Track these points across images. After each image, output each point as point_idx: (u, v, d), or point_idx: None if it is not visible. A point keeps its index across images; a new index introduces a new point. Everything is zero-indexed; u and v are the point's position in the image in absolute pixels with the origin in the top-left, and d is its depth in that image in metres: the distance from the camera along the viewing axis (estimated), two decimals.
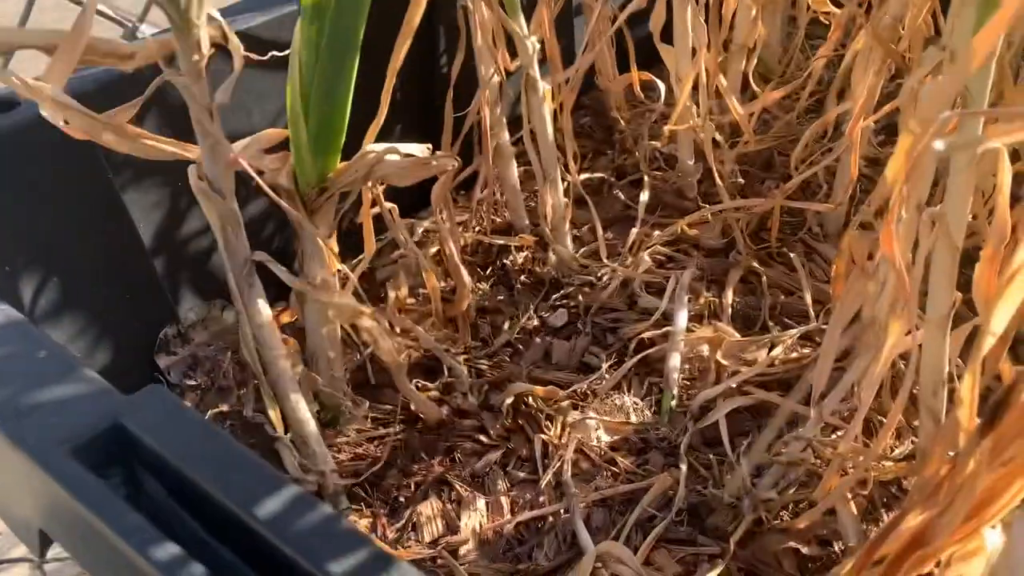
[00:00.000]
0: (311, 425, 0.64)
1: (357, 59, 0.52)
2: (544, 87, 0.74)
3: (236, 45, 0.57)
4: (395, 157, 0.57)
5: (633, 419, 0.71)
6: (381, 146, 0.57)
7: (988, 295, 0.53)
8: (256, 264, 0.59)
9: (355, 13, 0.49)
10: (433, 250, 0.83)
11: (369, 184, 0.60)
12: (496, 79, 0.79)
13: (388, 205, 0.70)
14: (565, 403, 0.71)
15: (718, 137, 0.95)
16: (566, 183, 0.91)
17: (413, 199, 0.87)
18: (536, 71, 0.73)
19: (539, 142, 0.77)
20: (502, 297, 0.82)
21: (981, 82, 0.51)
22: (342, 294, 0.63)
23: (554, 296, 0.82)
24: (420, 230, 0.87)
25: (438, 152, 0.60)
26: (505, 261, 0.86)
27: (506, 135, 0.83)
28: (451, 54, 0.82)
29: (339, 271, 0.64)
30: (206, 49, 0.53)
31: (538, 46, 0.74)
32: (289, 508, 0.32)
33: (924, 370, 0.56)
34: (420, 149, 0.60)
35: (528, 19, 0.89)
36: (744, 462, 0.64)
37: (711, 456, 0.67)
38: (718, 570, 0.59)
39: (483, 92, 0.73)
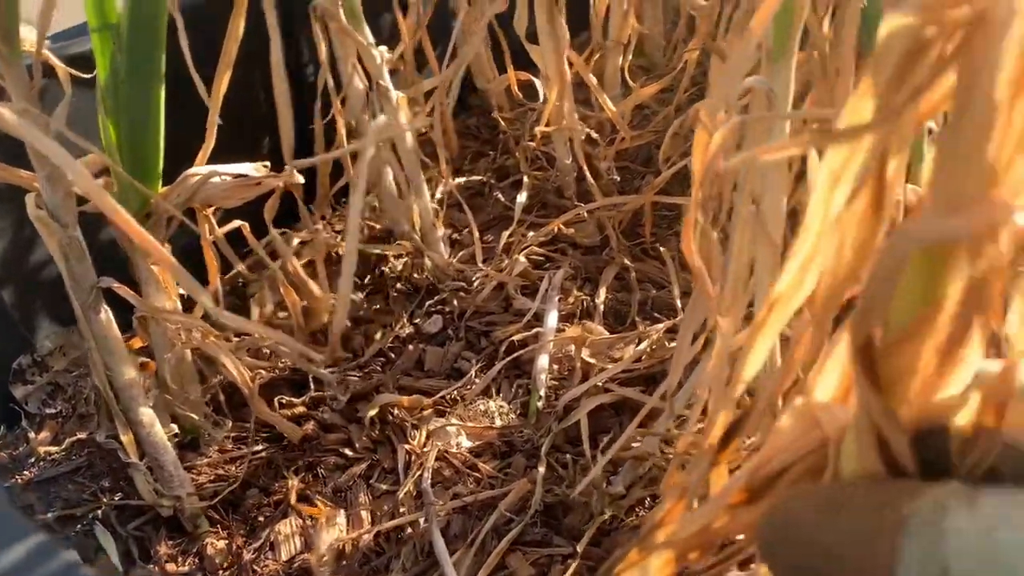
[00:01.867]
0: (167, 449, 0.63)
1: (162, 86, 0.52)
2: (398, 95, 0.74)
3: (64, 71, 0.57)
4: (219, 179, 0.57)
5: (499, 423, 0.71)
6: (204, 169, 0.57)
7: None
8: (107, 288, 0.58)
9: (151, 41, 0.49)
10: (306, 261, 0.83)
11: (202, 207, 0.59)
12: (360, 87, 0.79)
13: (239, 223, 0.69)
14: (429, 412, 0.71)
15: (594, 135, 0.95)
16: (442, 187, 0.92)
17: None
18: (387, 80, 0.73)
19: (399, 149, 0.77)
20: (378, 306, 0.82)
21: (783, 75, 0.51)
22: (188, 317, 0.63)
23: (428, 303, 0.82)
24: (296, 241, 0.87)
25: (271, 169, 0.60)
26: (384, 269, 0.86)
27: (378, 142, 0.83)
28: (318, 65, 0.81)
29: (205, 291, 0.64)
30: (38, 77, 0.52)
31: (388, 55, 0.73)
32: (29, 558, 0.32)
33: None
34: (250, 168, 0.59)
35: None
36: (599, 460, 0.65)
37: (569, 456, 0.68)
38: (570, 571, 0.60)
39: (335, 101, 0.73)
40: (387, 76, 0.73)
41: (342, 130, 0.76)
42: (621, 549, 0.36)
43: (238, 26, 0.55)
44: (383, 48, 0.74)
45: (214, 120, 0.57)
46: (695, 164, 0.50)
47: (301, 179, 0.68)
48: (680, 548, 0.35)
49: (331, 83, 0.76)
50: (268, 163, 0.62)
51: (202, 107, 0.61)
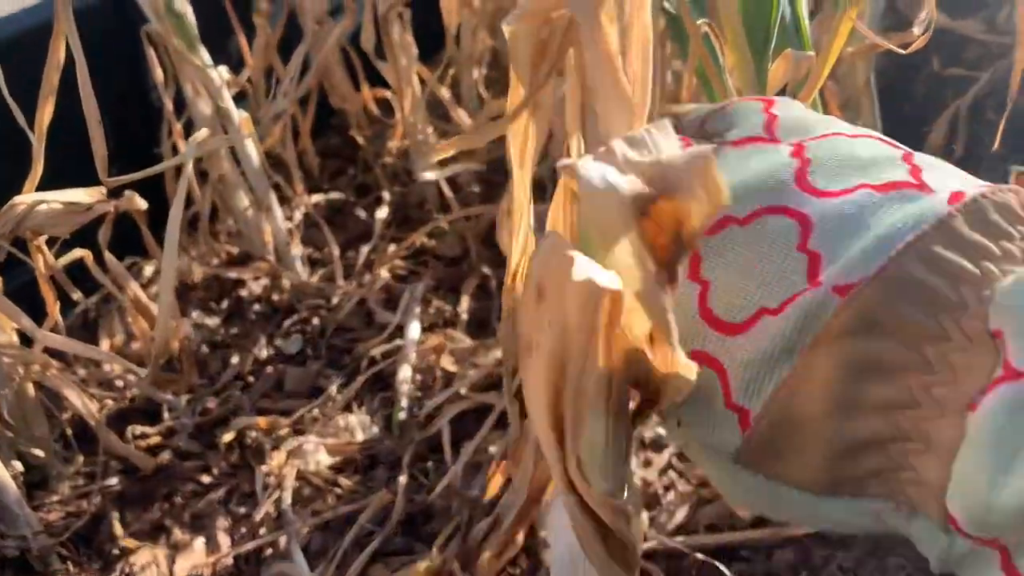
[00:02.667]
0: (9, 488, 0.61)
1: None
2: (241, 116, 0.74)
3: None
4: (47, 207, 0.56)
5: (360, 437, 0.71)
6: (30, 197, 0.56)
7: None
8: None
9: None
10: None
11: (33, 236, 0.58)
12: (206, 110, 0.78)
13: (81, 252, 0.68)
14: (287, 432, 0.71)
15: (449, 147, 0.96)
16: (299, 207, 0.92)
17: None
18: (228, 102, 0.72)
19: (246, 170, 0.77)
20: (236, 330, 0.81)
21: None
22: (24, 350, 0.61)
23: (288, 323, 0.81)
24: (151, 270, 0.85)
25: (103, 195, 0.59)
26: (241, 292, 0.85)
27: (227, 165, 0.82)
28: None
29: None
30: None
31: (228, 77, 0.73)
32: None
33: None
34: (82, 194, 0.58)
35: (251, 44, 0.90)
36: (459, 465, 0.66)
37: (431, 464, 0.68)
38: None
39: (175, 124, 0.73)
40: (228, 97, 0.72)
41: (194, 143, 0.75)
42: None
43: (58, 53, 0.54)
44: (223, 69, 0.73)
45: (40, 148, 0.56)
46: None
47: (143, 204, 0.67)
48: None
49: (186, 106, 0.76)
50: (104, 189, 0.61)
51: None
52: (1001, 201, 0.27)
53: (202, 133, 0.54)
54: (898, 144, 0.33)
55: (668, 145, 0.25)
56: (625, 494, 0.38)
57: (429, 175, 0.80)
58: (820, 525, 0.29)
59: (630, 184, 0.22)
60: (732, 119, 0.34)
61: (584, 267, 0.26)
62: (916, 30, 0.64)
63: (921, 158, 0.31)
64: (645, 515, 0.41)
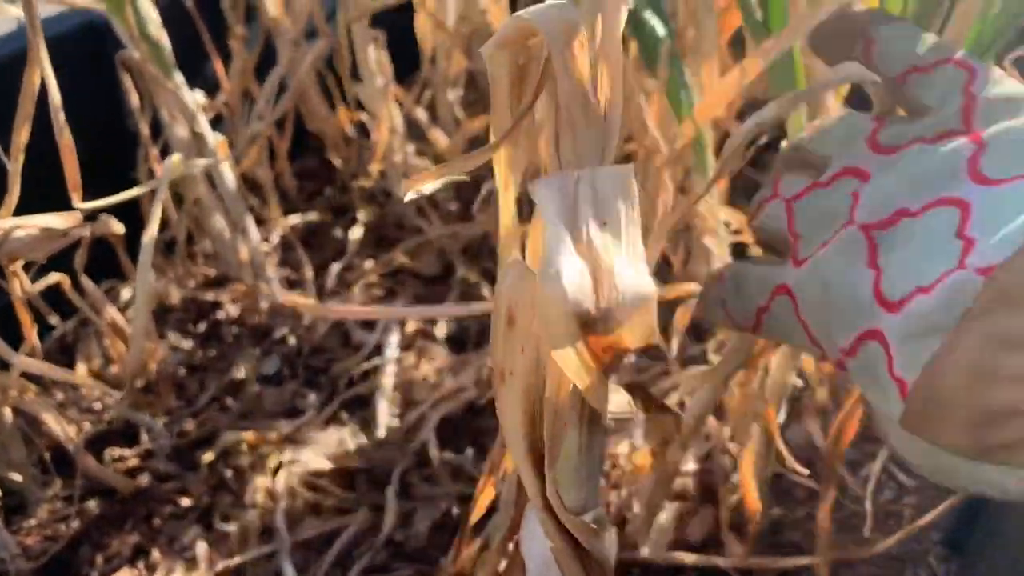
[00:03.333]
0: None
1: None
2: (217, 139, 0.74)
3: None
4: (23, 232, 0.56)
5: (343, 453, 0.71)
6: (6, 222, 0.56)
7: None
8: None
9: None
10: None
11: (9, 262, 0.58)
12: (183, 134, 0.78)
13: (57, 276, 0.68)
14: (270, 450, 0.71)
15: (430, 167, 0.97)
16: (276, 228, 0.92)
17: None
18: (203, 126, 0.73)
19: (222, 193, 0.77)
20: (213, 352, 0.82)
21: None
22: (7, 377, 0.61)
23: (265, 344, 0.82)
24: (128, 293, 0.85)
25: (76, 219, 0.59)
26: (219, 314, 0.85)
27: (203, 188, 0.82)
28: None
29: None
30: None
31: (203, 101, 0.74)
32: None
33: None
34: (58, 219, 0.59)
35: (227, 68, 0.90)
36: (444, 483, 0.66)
37: (412, 482, 0.69)
38: None
39: (150, 149, 0.73)
40: (203, 122, 0.73)
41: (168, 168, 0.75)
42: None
43: (33, 81, 0.54)
44: (198, 93, 0.74)
45: (16, 173, 0.57)
46: None
47: (119, 228, 0.68)
48: None
49: (166, 131, 0.76)
50: (79, 214, 0.62)
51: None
52: None
53: (174, 158, 0.54)
54: None
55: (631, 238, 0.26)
56: (597, 507, 0.39)
57: (410, 195, 0.81)
58: (991, 492, 0.31)
59: (576, 302, 0.24)
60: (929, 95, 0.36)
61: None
62: None
63: None
64: (614, 530, 0.42)
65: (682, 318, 0.62)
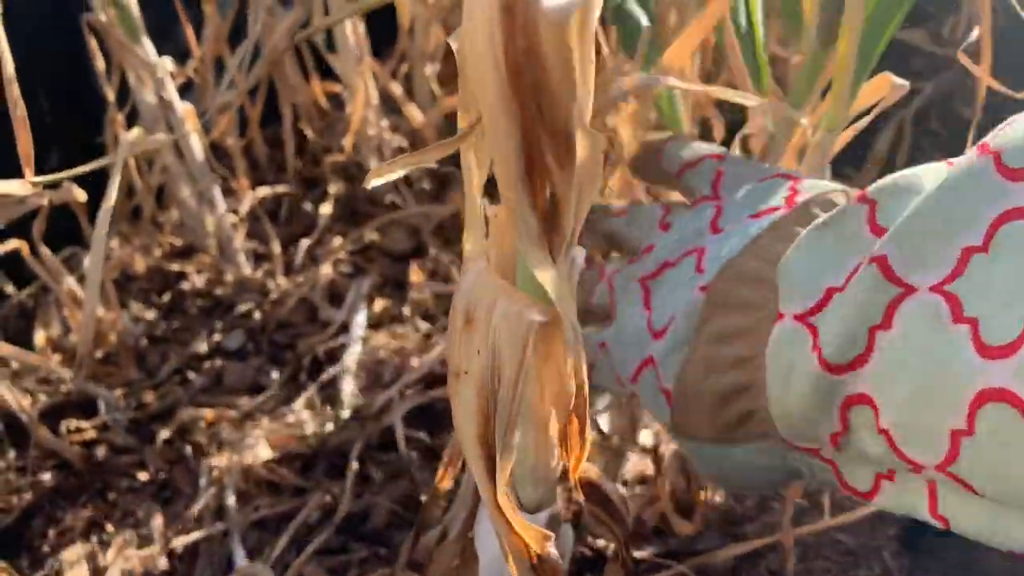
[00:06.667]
0: None
1: None
2: (185, 107, 0.72)
3: None
4: None
5: (305, 432, 0.71)
6: None
7: None
8: None
9: None
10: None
11: None
12: (152, 100, 0.77)
13: (16, 243, 0.67)
14: (228, 426, 0.70)
15: (404, 143, 0.96)
16: (245, 200, 0.91)
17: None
18: (171, 93, 0.71)
19: (189, 162, 0.76)
20: (177, 323, 0.80)
21: None
22: None
23: (229, 318, 0.81)
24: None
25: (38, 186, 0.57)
26: (183, 285, 0.84)
27: (171, 156, 0.81)
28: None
29: None
30: None
31: (172, 68, 0.72)
32: None
33: None
34: (16, 186, 0.57)
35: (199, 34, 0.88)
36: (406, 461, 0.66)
37: (372, 462, 0.68)
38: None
39: (114, 116, 0.71)
40: (171, 88, 0.71)
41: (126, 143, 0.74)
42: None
43: None
44: (166, 60, 0.72)
45: None
46: None
47: (81, 196, 0.66)
48: None
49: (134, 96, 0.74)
50: (37, 180, 0.60)
51: None
52: (824, 200, 0.36)
53: (134, 132, 0.53)
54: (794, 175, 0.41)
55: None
56: (553, 504, 0.38)
57: (376, 182, 0.80)
58: (749, 481, 0.36)
59: None
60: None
61: (516, 298, 0.27)
62: None
63: (802, 183, 0.39)
64: (568, 527, 0.41)
65: None
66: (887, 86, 0.48)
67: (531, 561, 0.32)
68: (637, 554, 0.60)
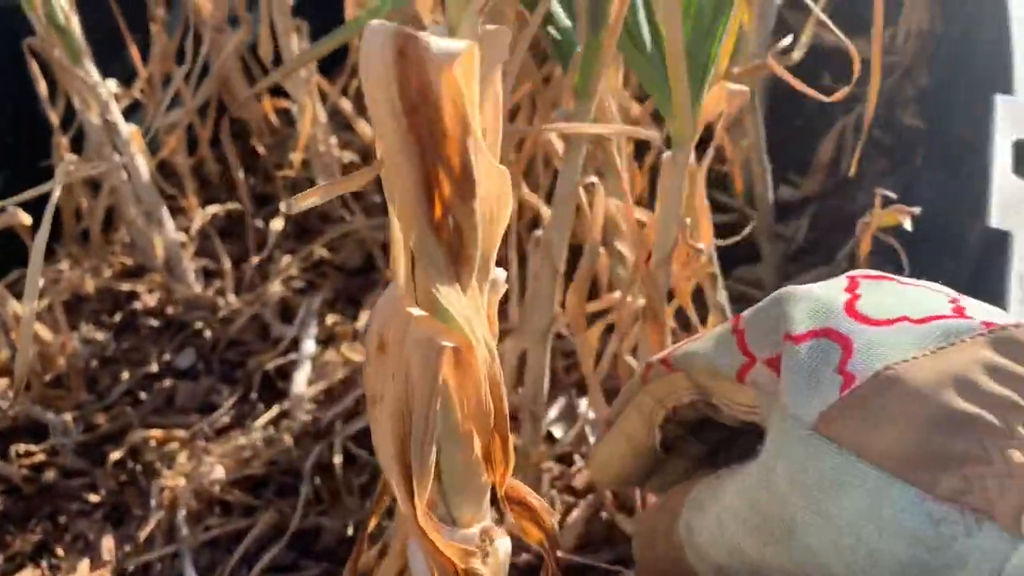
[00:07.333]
0: None
1: None
2: (131, 129, 0.73)
3: None
4: None
5: (256, 451, 0.71)
6: None
7: (577, 320, 0.59)
8: None
9: None
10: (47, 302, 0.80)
11: None
12: (96, 121, 0.77)
13: None
14: (179, 447, 0.70)
15: (355, 159, 0.97)
16: (195, 217, 0.91)
17: None
18: (116, 115, 0.72)
19: (135, 183, 0.76)
20: (127, 344, 0.80)
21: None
22: None
23: (180, 337, 0.81)
24: (40, 283, 0.84)
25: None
26: (135, 305, 0.84)
27: (123, 174, 0.81)
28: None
29: None
30: None
31: (115, 89, 0.72)
32: None
33: (527, 377, 0.61)
34: None
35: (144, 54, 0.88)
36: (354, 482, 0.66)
37: (320, 480, 0.68)
38: None
39: (59, 139, 0.72)
40: (116, 111, 0.72)
41: (71, 166, 0.74)
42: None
43: None
44: (111, 82, 0.72)
45: None
46: None
47: (26, 219, 0.66)
48: None
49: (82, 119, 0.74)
50: None
51: None
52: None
53: (69, 159, 0.53)
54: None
55: None
56: (486, 519, 0.39)
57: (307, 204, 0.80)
58: (849, 550, 0.30)
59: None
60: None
61: (424, 324, 0.27)
62: (796, 53, 0.67)
63: (966, 300, 0.34)
64: (507, 540, 0.42)
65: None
66: (725, 95, 0.49)
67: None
68: (586, 561, 0.61)
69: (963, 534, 0.27)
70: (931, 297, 0.34)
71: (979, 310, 0.33)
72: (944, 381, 0.29)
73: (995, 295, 0.49)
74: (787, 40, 0.66)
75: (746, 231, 0.64)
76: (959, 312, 0.33)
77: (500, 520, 0.42)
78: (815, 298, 0.35)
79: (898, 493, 0.28)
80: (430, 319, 0.28)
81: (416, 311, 0.27)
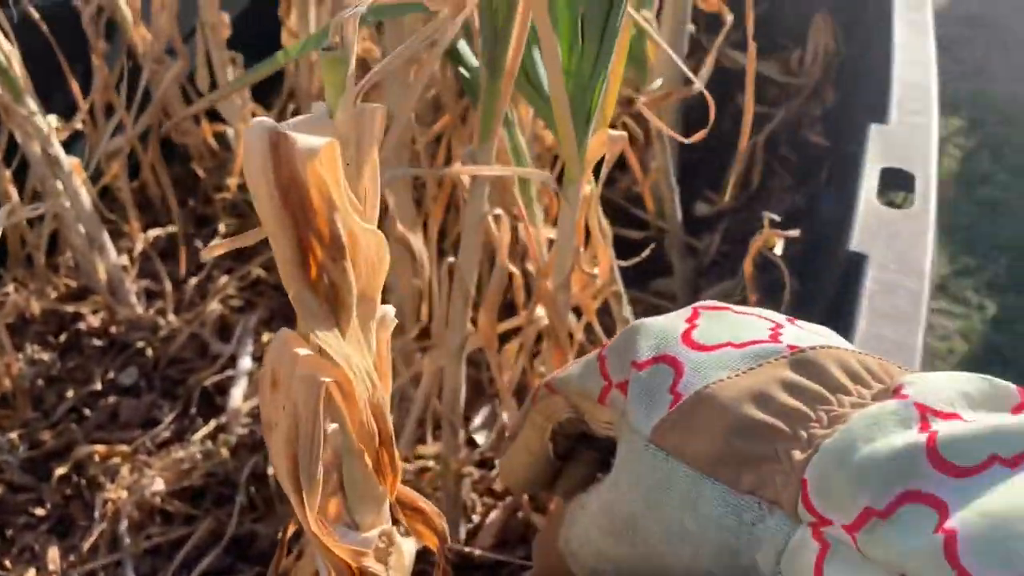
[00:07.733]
0: None
1: None
2: (71, 161, 0.77)
3: None
4: None
5: (196, 463, 0.75)
6: None
7: (488, 338, 0.65)
8: None
9: None
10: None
11: None
12: (39, 153, 0.81)
13: None
14: (122, 461, 0.75)
15: None
16: (137, 240, 0.95)
17: None
18: (57, 148, 0.76)
19: (78, 212, 0.80)
20: (72, 363, 0.84)
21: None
22: None
23: (123, 356, 0.85)
24: None
25: None
26: (80, 326, 0.88)
27: (61, 203, 0.84)
28: None
29: None
30: None
31: (56, 123, 0.76)
32: None
33: (445, 391, 0.66)
34: None
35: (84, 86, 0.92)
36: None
37: (255, 489, 0.73)
38: None
39: (1, 171, 0.75)
40: (56, 144, 0.76)
41: (14, 196, 0.78)
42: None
43: None
44: (52, 117, 0.77)
45: None
46: None
47: None
48: None
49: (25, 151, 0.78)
50: None
51: None
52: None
53: (7, 208, 0.58)
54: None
55: None
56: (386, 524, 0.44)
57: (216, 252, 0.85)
58: (676, 537, 0.35)
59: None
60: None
61: (308, 363, 0.33)
62: (703, 72, 0.73)
63: (789, 326, 0.39)
64: (412, 542, 0.47)
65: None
66: (606, 141, 0.55)
67: (353, 575, 0.38)
68: (501, 557, 0.67)
69: (760, 520, 0.33)
70: (755, 324, 0.40)
71: (791, 334, 0.39)
72: (746, 396, 0.35)
73: (849, 313, 0.55)
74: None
75: (648, 249, 0.70)
76: (774, 337, 0.38)
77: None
78: (659, 328, 0.40)
79: (709, 489, 0.34)
80: (314, 358, 0.33)
81: (303, 351, 0.32)
